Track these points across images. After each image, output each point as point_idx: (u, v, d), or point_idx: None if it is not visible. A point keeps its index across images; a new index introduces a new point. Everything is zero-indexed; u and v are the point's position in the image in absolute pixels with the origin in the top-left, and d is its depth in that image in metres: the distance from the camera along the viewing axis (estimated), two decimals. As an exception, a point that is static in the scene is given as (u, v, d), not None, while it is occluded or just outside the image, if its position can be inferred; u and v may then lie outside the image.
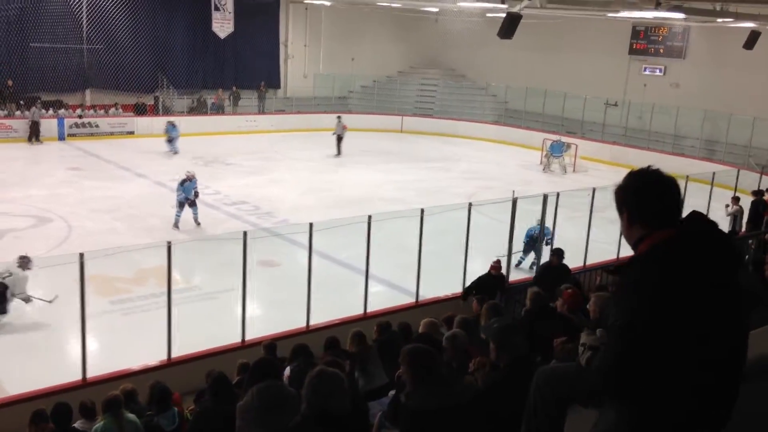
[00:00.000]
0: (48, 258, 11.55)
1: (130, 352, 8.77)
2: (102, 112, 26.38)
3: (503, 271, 10.69)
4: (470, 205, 11.13)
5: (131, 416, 5.60)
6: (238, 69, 30.27)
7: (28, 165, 20.60)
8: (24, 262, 10.19)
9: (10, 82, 24.86)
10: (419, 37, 33.29)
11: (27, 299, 10.20)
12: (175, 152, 23.28)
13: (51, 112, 25.06)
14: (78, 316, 7.74)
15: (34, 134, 23.80)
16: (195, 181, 15.39)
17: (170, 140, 23.55)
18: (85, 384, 7.57)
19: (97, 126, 25.56)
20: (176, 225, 15.10)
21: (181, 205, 15.18)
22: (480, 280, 10.28)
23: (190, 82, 28.87)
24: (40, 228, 14.73)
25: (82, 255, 7.65)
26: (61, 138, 24.48)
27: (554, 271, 10.13)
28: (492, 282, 10.25)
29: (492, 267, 10.49)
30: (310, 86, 32.03)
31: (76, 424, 5.68)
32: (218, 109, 29.11)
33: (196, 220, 15.41)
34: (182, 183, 15.25)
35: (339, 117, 25.55)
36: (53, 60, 25.60)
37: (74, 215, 15.56)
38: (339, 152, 24.61)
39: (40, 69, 25.34)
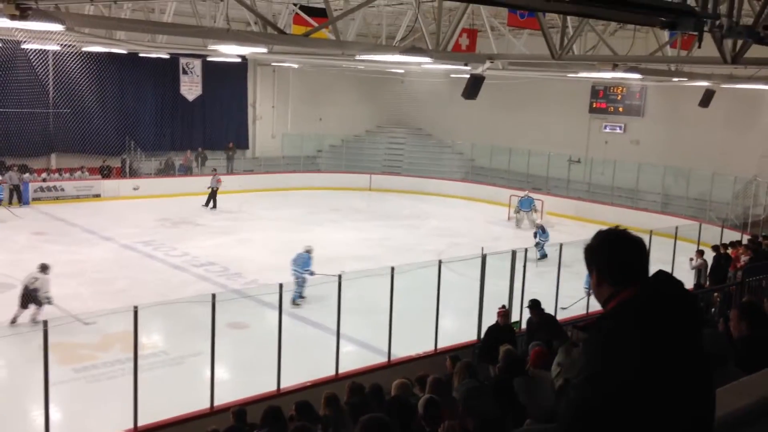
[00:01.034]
0: (10, 327, 11.24)
1: (95, 421, 8.50)
2: (68, 175, 26.16)
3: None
4: (440, 262, 11.21)
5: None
6: (207, 130, 30.46)
7: (-10, 230, 20.19)
8: (45, 267, 12.79)
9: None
10: (386, 98, 33.97)
11: (49, 301, 12.39)
12: None
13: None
14: (41, 385, 7.50)
15: (17, 197, 23.77)
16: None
17: None
18: (46, 457, 7.29)
19: (62, 189, 25.29)
20: (295, 301, 14.10)
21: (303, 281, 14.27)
22: (489, 335, 9.53)
23: (158, 144, 28.89)
24: (2, 295, 14.32)
25: (45, 323, 7.48)
26: (26, 202, 24.12)
27: (539, 326, 9.66)
28: (496, 333, 9.39)
29: (498, 314, 9.75)
30: (278, 146, 32.29)
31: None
32: (186, 170, 29.08)
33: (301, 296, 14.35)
34: (308, 257, 14.39)
35: (215, 170, 26.95)
36: (18, 124, 25.45)
37: (37, 280, 15.19)
38: (214, 205, 25.32)
39: (5, 133, 25.19)
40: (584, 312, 11.91)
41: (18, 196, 23.96)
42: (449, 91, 28.21)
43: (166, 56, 25.51)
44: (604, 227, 2.24)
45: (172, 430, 7.69)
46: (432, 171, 31.55)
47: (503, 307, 10.10)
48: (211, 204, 25.27)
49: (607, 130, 28.37)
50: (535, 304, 9.91)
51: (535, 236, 19.31)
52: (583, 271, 2.25)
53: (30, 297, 12.37)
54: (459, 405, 4.86)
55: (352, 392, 7.33)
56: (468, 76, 14.98)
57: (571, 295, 12.40)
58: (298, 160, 31.91)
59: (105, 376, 10.40)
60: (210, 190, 25.32)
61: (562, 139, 28.26)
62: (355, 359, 11.05)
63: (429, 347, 10.66)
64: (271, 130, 32.52)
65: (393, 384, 6.53)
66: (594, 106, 28.57)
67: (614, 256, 2.11)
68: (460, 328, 11.65)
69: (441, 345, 10.61)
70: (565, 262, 12.24)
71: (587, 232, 2.28)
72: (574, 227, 23.66)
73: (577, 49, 14.21)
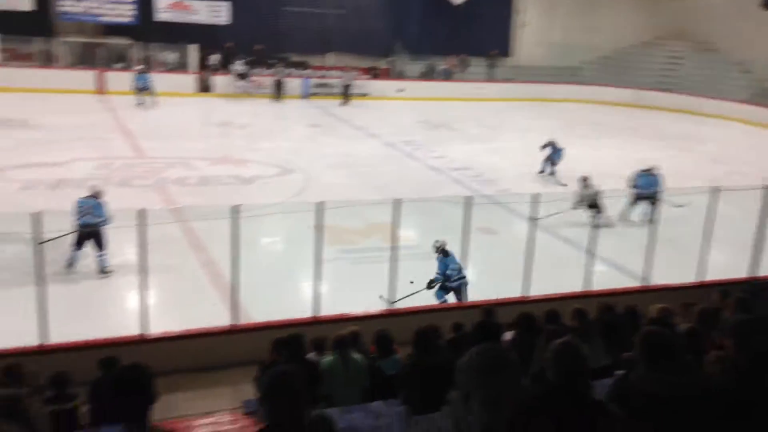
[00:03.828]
0: (290, 204, 12.60)
1: (356, 298, 9.32)
2: (341, 73, 28.02)
3: None
4: (715, 190, 10.16)
5: (357, 356, 5.96)
6: (470, 36, 30.33)
7: (274, 120, 22.57)
8: (585, 178, 13.34)
9: (259, 47, 27.24)
10: (666, 6, 30.74)
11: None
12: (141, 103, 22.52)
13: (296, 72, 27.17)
14: (311, 260, 8.37)
15: (278, 92, 26.00)
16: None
17: (141, 89, 22.56)
18: (316, 321, 8.21)
19: (335, 87, 27.22)
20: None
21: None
22: None
23: (422, 48, 29.58)
24: (284, 177, 16.11)
25: (321, 204, 8.23)
26: (305, 96, 26.46)
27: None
28: None
29: None
30: (543, 55, 31.13)
31: (308, 356, 6.18)
32: (447, 75, 29.50)
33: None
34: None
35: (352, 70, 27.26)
36: (303, 23, 27.69)
37: (313, 168, 16.78)
38: (346, 101, 26.11)
39: (289, 30, 27.57)
40: None
41: (277, 90, 25.89)
42: (745, 1, 24.67)
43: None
44: None
45: (423, 317, 8.13)
46: (714, 90, 28.30)
47: None
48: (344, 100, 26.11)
49: None
50: None
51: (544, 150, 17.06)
52: None
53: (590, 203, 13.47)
54: (729, 338, 4.45)
55: (604, 311, 7.12)
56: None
57: None
58: (562, 71, 30.58)
59: (366, 260, 11.29)
60: (344, 86, 26.11)
61: None
62: (605, 280, 10.65)
63: (691, 279, 9.90)
64: (536, 39, 31.41)
65: (653, 307, 6.20)
66: None
67: None
68: (731, 263, 10.64)
69: (708, 278, 9.79)
70: None
71: None
72: None
73: None
